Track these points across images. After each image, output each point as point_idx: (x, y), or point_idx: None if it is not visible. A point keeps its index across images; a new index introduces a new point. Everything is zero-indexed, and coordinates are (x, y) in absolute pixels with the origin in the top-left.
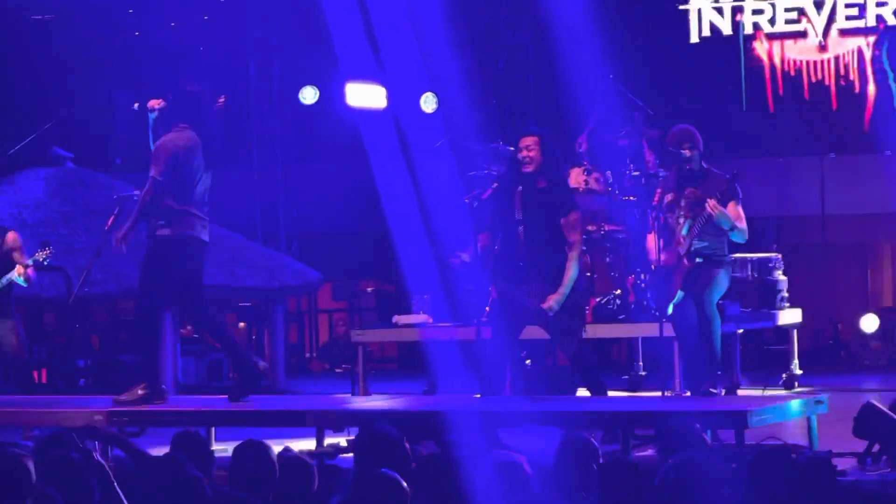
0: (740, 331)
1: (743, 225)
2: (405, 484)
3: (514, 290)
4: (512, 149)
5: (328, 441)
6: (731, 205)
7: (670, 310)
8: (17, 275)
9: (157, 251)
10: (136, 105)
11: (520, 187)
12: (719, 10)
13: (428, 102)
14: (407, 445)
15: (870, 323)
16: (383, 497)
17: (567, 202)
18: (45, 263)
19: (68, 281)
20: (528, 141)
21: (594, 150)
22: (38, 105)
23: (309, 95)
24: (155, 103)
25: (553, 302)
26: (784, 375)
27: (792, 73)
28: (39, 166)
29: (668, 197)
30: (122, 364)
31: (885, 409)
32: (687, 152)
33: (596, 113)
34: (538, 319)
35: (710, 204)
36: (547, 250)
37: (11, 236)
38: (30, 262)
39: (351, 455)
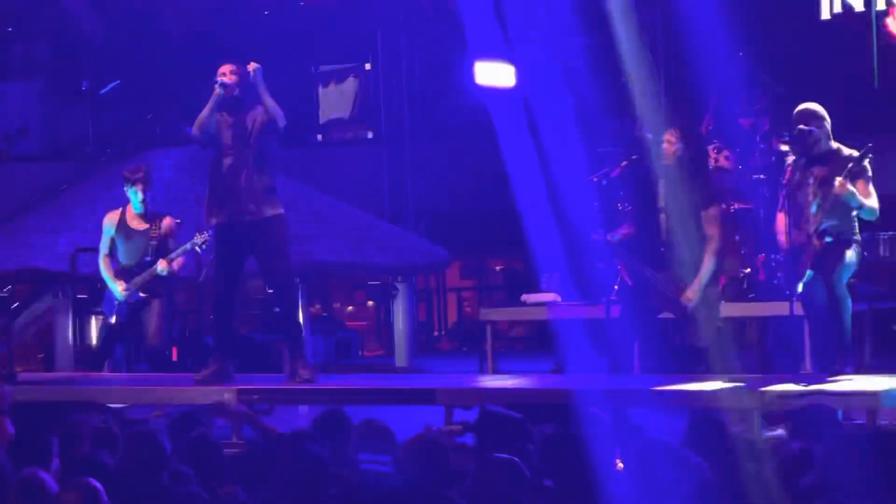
0: (868, 310)
1: (872, 203)
2: (524, 467)
3: (654, 275)
4: (641, 131)
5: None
6: (860, 183)
7: (800, 289)
8: (161, 268)
9: (283, 230)
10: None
11: (661, 178)
12: None
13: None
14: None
15: None
16: (503, 481)
17: (708, 196)
18: (200, 251)
19: (199, 260)
20: (670, 135)
21: (722, 127)
22: (168, 84)
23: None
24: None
25: (691, 294)
26: None
27: None
28: (169, 146)
29: (797, 176)
30: (251, 342)
31: None
32: (814, 130)
33: (716, 91)
34: (673, 308)
35: (838, 182)
36: (687, 241)
37: (167, 222)
38: (176, 254)
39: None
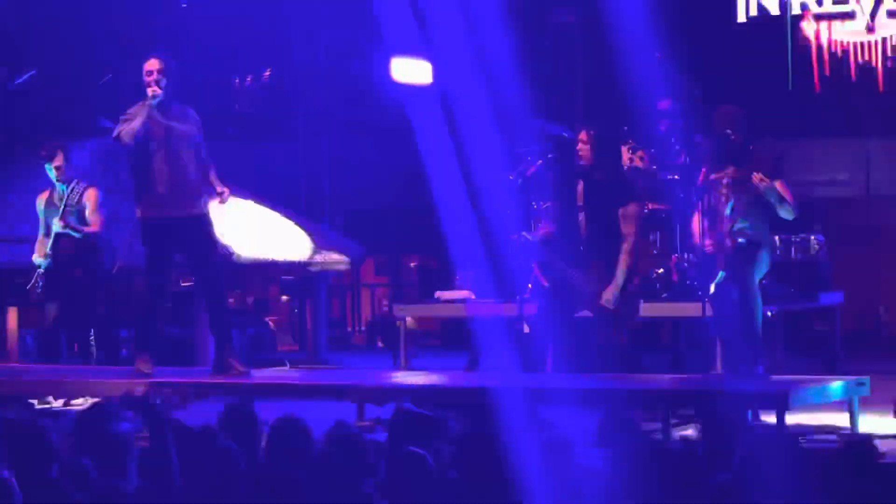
0: (779, 311)
1: (791, 200)
2: (432, 462)
3: (572, 274)
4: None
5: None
6: (778, 183)
7: (712, 289)
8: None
9: (210, 225)
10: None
11: (580, 180)
12: None
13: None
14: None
15: None
16: (414, 476)
17: (625, 194)
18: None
19: (113, 252)
20: (583, 135)
21: (637, 128)
22: (86, 76)
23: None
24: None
25: (610, 294)
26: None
27: (839, 54)
28: (85, 137)
29: (712, 177)
30: (166, 335)
31: None
32: (731, 133)
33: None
34: (593, 307)
35: (757, 177)
36: (606, 239)
37: (89, 191)
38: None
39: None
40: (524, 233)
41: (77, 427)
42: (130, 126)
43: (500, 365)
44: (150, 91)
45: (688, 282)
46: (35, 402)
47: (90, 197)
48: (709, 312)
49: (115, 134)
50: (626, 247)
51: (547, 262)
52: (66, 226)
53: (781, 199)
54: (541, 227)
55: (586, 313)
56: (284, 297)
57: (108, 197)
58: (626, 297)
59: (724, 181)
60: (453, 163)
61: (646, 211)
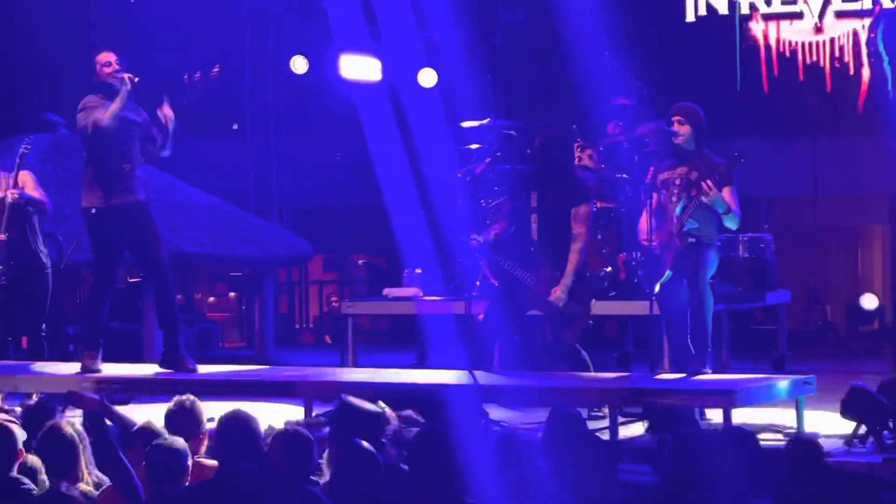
0: (726, 310)
1: (737, 210)
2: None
3: (523, 274)
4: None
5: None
6: (725, 190)
7: (657, 288)
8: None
9: (154, 217)
10: (136, 78)
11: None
12: None
13: (427, 77)
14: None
15: (870, 301)
16: (359, 469)
17: (578, 194)
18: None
19: (59, 247)
20: (536, 138)
21: (585, 126)
22: (32, 71)
23: (300, 65)
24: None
25: (560, 292)
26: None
27: (787, 54)
28: (32, 132)
29: (663, 175)
30: (112, 331)
31: (871, 391)
32: (678, 127)
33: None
34: (543, 306)
35: (706, 186)
36: (558, 240)
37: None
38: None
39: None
40: (475, 235)
41: (24, 424)
42: (109, 110)
43: (448, 362)
44: (125, 77)
45: (635, 280)
46: None
47: (25, 179)
48: (657, 311)
49: (86, 122)
50: (576, 246)
51: (496, 261)
52: (17, 196)
53: (728, 209)
54: (492, 228)
55: (536, 312)
56: (232, 294)
57: (58, 191)
58: (575, 295)
59: (676, 181)
60: (403, 160)
61: (594, 209)
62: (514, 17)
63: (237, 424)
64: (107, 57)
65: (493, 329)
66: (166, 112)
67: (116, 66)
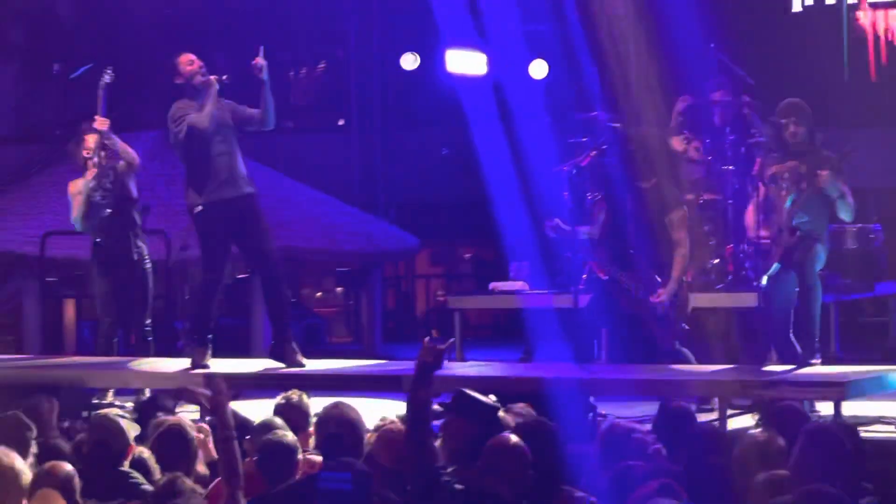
0: (835, 301)
1: (851, 200)
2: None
3: (625, 276)
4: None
5: None
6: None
7: (764, 281)
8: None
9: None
10: (225, 77)
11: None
12: None
13: (532, 71)
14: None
15: None
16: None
17: (672, 200)
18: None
19: (168, 244)
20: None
21: (693, 117)
22: (142, 68)
23: (409, 61)
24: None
25: (665, 296)
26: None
27: None
28: (141, 129)
29: (772, 169)
30: (220, 326)
31: None
32: (793, 127)
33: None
34: (643, 308)
35: (823, 174)
36: (653, 244)
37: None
38: None
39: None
40: (557, 220)
41: (137, 419)
42: (203, 112)
43: (554, 356)
44: (211, 79)
45: (743, 272)
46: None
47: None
48: (763, 303)
49: (180, 128)
50: (678, 252)
51: (600, 261)
52: (106, 130)
53: (842, 194)
54: (595, 221)
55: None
56: (339, 289)
57: (166, 188)
58: (676, 301)
59: (785, 175)
60: (506, 154)
61: (700, 201)
62: (617, 11)
63: (337, 418)
64: (188, 57)
65: (597, 322)
66: (258, 62)
67: (200, 64)
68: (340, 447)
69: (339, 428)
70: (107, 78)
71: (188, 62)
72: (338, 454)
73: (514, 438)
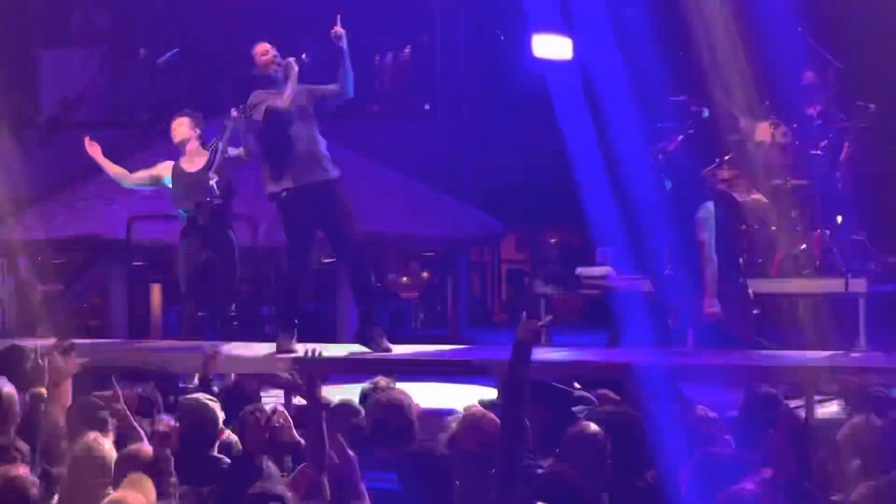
0: None
1: None
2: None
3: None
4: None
5: None
6: None
7: None
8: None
9: (347, 194)
10: (304, 55)
11: None
12: None
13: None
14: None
15: None
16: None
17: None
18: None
19: (254, 228)
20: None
21: (780, 103)
22: (225, 54)
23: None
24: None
25: (712, 307)
26: None
27: None
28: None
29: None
30: (306, 311)
31: None
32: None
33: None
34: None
35: None
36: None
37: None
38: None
39: None
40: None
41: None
42: (284, 96)
43: (641, 340)
44: (290, 61)
45: (830, 257)
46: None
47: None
48: (852, 288)
49: (260, 111)
50: (703, 254)
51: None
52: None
53: None
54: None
55: None
56: (425, 274)
57: (253, 173)
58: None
59: None
60: (593, 139)
61: (789, 186)
62: None
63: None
64: (263, 47)
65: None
66: (337, 30)
67: (274, 54)
68: (388, 432)
69: (386, 412)
70: (234, 113)
71: (262, 52)
72: (385, 440)
73: (592, 427)
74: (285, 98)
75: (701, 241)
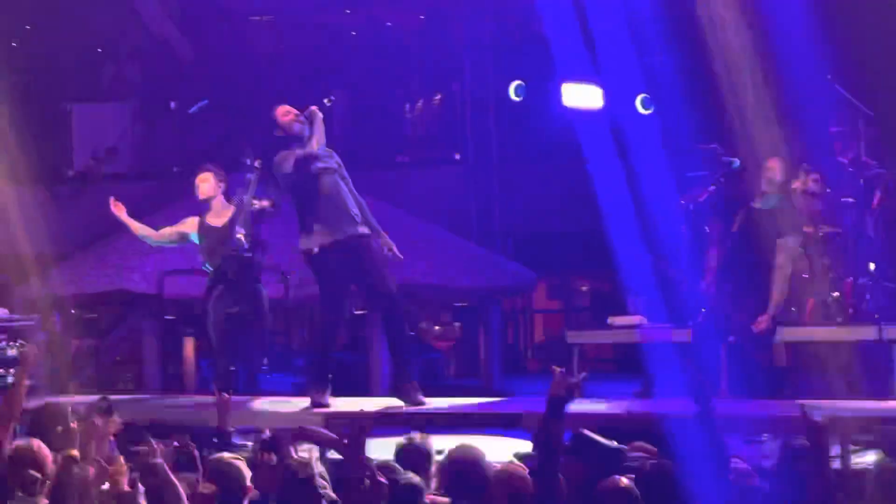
0: None
1: None
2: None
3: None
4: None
5: None
6: None
7: None
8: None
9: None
10: (326, 100)
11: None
12: None
13: (651, 102)
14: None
15: None
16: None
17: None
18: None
19: (286, 282)
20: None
21: (810, 151)
22: (256, 104)
23: (517, 95)
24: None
25: (765, 322)
26: None
27: None
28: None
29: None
30: (338, 362)
31: None
32: None
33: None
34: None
35: None
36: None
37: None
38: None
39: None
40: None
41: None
42: (313, 141)
43: (674, 391)
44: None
45: (863, 305)
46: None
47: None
48: (886, 336)
49: (288, 168)
50: (779, 276)
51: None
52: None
53: None
54: (710, 254)
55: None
56: (457, 324)
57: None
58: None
59: None
60: (623, 187)
61: (821, 234)
62: (733, 42)
63: (464, 460)
64: (283, 109)
65: (716, 356)
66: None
67: (295, 112)
68: (466, 488)
69: (465, 468)
70: (257, 164)
71: (284, 113)
72: (463, 495)
73: (624, 481)
74: (313, 143)
75: (779, 264)
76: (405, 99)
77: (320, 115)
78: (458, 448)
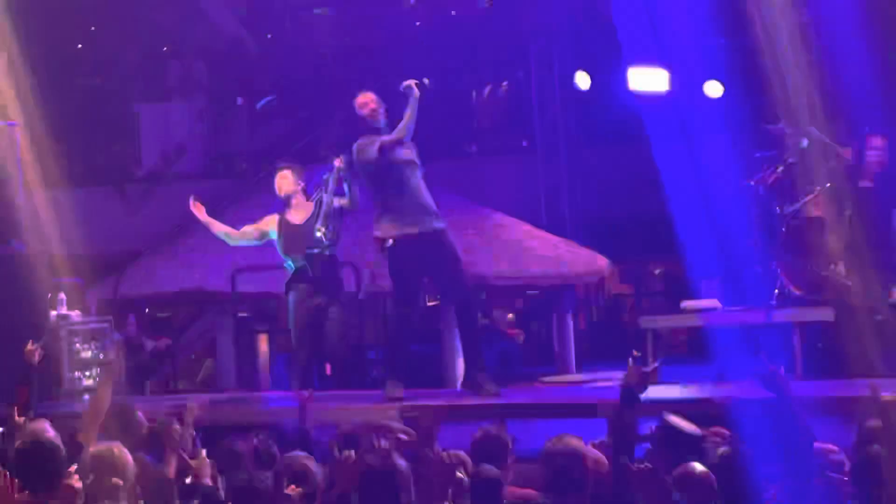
0: None
1: None
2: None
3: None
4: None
5: None
6: None
7: None
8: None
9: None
10: (426, 80)
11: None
12: None
13: (714, 87)
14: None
15: None
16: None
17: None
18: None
19: (359, 275)
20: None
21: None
22: (323, 98)
23: (583, 81)
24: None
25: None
26: None
27: None
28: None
29: None
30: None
31: None
32: None
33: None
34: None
35: None
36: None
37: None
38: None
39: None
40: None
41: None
42: (401, 126)
43: (748, 374)
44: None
45: None
46: None
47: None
48: None
49: (370, 156)
50: None
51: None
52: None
53: None
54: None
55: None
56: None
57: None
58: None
59: None
60: (690, 170)
61: None
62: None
63: (563, 452)
64: (365, 97)
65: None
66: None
67: (372, 107)
68: (568, 481)
69: (566, 461)
70: (337, 163)
71: (362, 105)
72: (564, 488)
73: (699, 467)
74: (404, 122)
75: None
76: (472, 88)
77: (416, 92)
78: (558, 439)
